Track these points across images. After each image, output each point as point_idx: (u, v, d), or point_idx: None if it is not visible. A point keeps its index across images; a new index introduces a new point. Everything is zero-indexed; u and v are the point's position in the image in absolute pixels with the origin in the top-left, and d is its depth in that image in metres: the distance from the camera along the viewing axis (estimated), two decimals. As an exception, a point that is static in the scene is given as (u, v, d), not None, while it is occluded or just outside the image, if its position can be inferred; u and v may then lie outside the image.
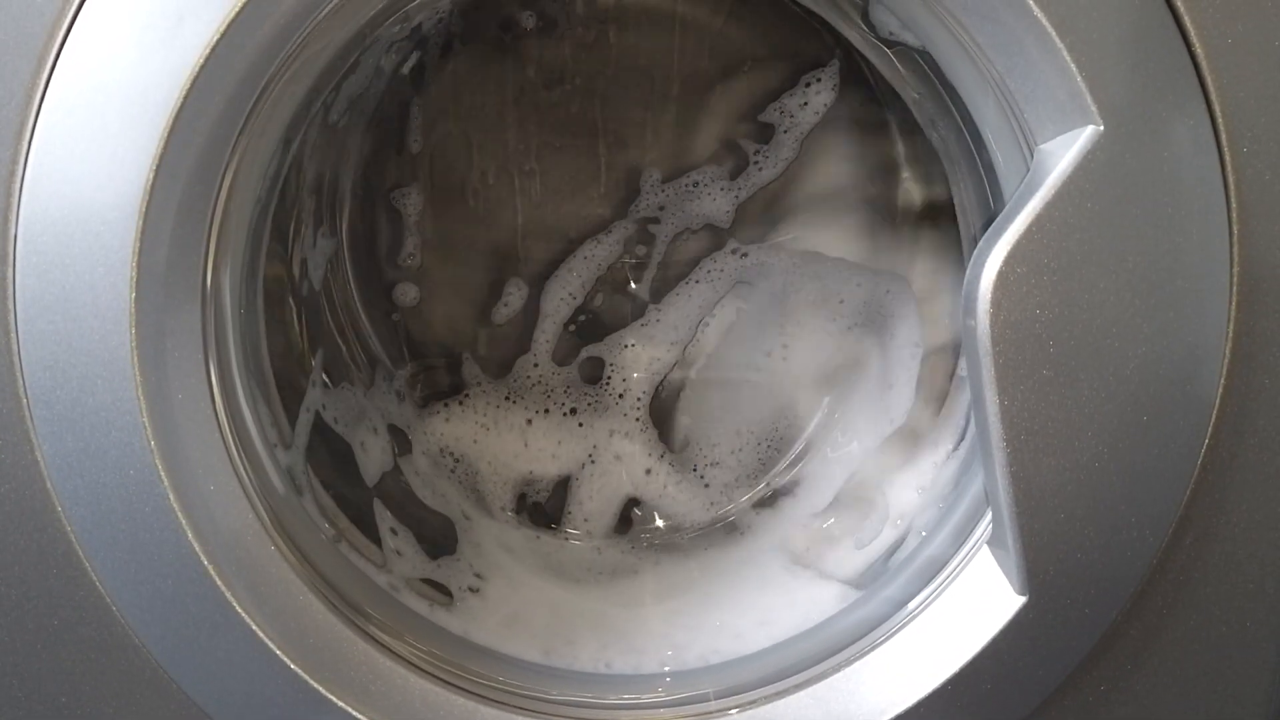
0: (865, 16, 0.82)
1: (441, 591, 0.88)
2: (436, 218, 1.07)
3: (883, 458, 0.96)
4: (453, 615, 0.86)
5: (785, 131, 1.04)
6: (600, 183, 1.08)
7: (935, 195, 0.99)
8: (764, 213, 1.07)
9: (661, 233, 1.07)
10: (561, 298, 1.08)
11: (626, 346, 1.08)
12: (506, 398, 1.07)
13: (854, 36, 0.86)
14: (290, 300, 0.94)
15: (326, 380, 0.95)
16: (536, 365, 1.08)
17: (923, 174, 1.01)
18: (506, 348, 1.09)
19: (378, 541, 0.89)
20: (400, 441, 1.01)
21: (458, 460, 1.04)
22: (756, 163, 1.05)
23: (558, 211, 1.08)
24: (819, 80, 1.02)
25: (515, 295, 1.09)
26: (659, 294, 1.08)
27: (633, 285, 1.09)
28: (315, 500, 0.84)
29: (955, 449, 0.89)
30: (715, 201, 1.06)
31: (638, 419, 1.06)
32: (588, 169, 1.07)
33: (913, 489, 0.91)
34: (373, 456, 0.96)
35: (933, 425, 0.93)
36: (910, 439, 0.95)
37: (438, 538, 0.96)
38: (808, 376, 1.07)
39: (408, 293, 1.07)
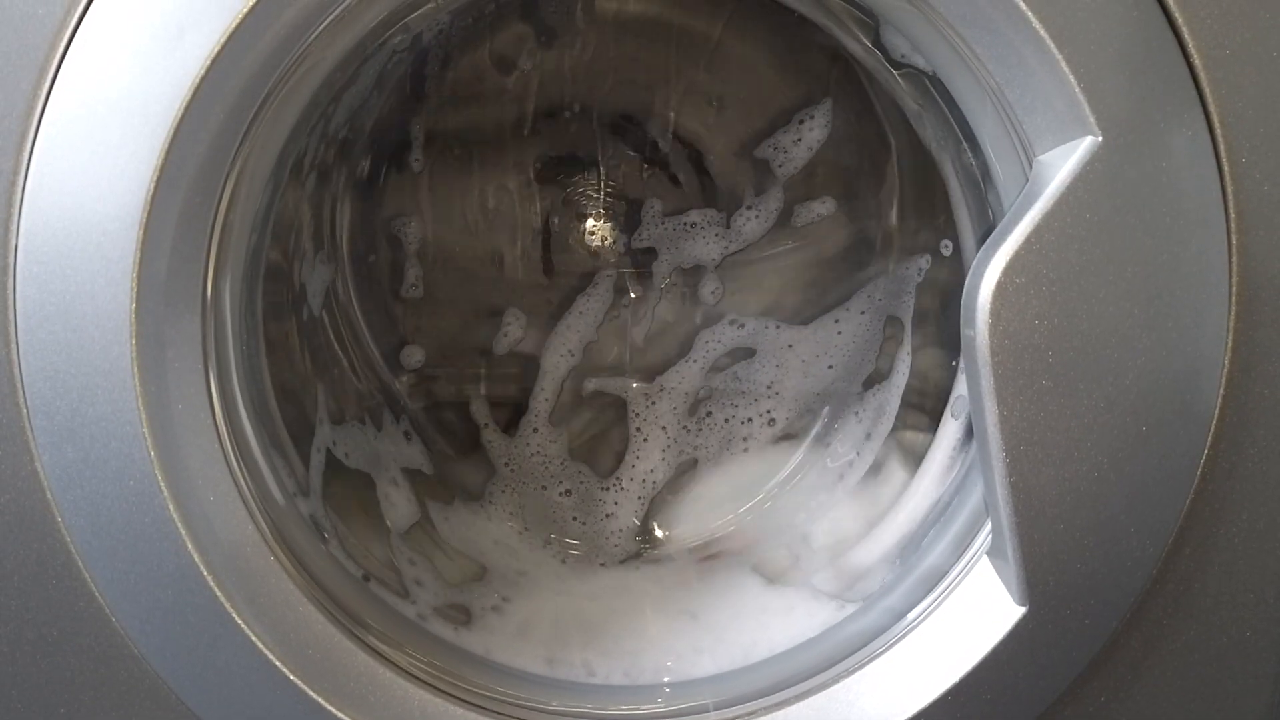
0: (877, 40, 0.82)
1: (461, 612, 0.88)
2: (437, 247, 1.08)
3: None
4: (474, 635, 0.86)
5: (780, 166, 1.05)
6: (600, 211, 1.08)
7: (932, 211, 0.99)
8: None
9: (659, 271, 1.08)
10: (561, 354, 1.09)
11: (626, 438, 1.09)
12: (506, 464, 1.07)
13: (856, 49, 0.87)
14: (293, 325, 0.94)
15: (333, 416, 0.95)
16: (537, 431, 1.08)
17: (921, 189, 1.01)
18: (511, 379, 1.10)
19: (396, 571, 0.89)
20: (421, 487, 1.01)
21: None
22: (747, 218, 1.06)
23: (558, 240, 1.09)
24: (812, 118, 1.03)
25: (514, 325, 1.09)
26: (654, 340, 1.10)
27: (632, 294, 1.10)
28: (341, 544, 0.84)
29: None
30: (708, 245, 1.08)
31: (617, 545, 1.06)
32: (589, 194, 1.08)
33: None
34: (399, 509, 0.96)
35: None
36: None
37: (461, 567, 0.96)
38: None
39: (413, 355, 1.08)
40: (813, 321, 1.07)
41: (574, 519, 1.06)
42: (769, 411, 1.08)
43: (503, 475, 1.07)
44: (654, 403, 1.09)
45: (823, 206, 1.06)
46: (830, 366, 1.06)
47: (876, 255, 1.04)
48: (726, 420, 1.08)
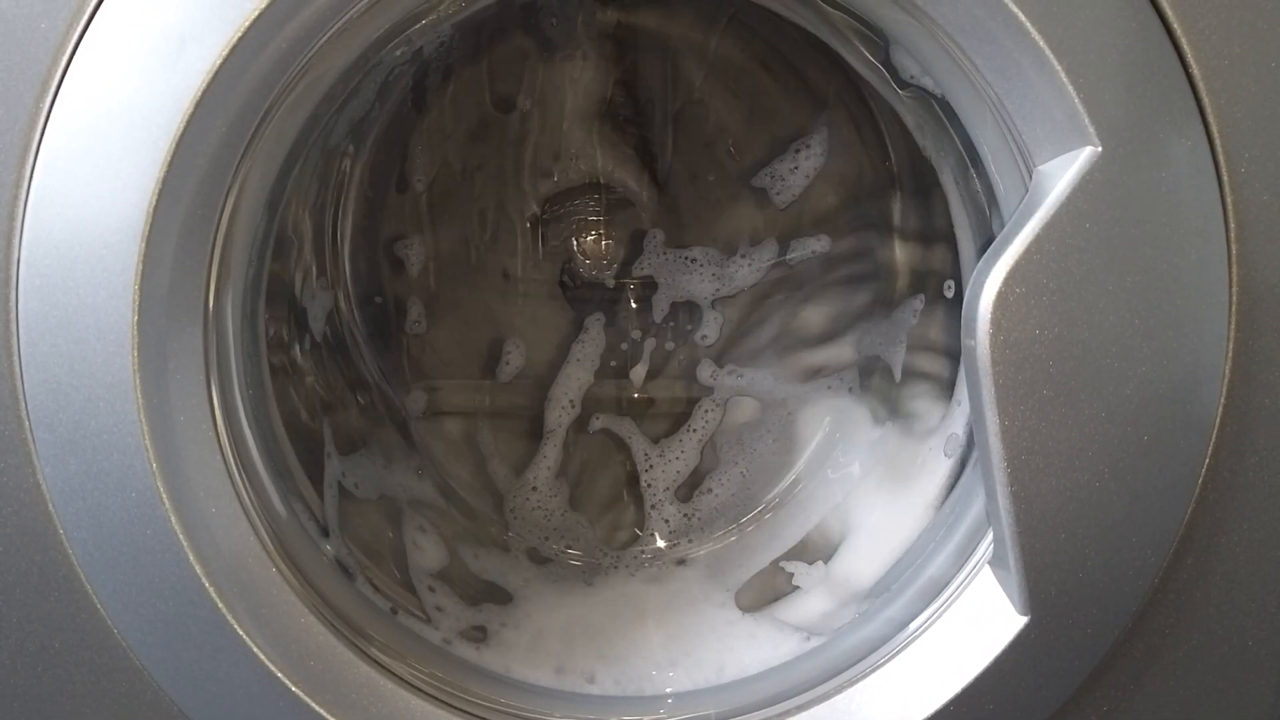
0: (886, 60, 0.82)
1: (480, 630, 0.89)
2: (439, 271, 1.08)
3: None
4: (493, 652, 0.86)
5: (777, 194, 1.05)
6: (602, 238, 1.09)
7: (933, 227, 0.99)
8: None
9: (658, 304, 1.08)
10: (562, 406, 1.09)
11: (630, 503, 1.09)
12: (511, 510, 1.07)
13: (861, 68, 0.87)
14: (296, 350, 0.94)
15: (341, 447, 0.95)
16: (535, 489, 1.08)
17: (922, 219, 1.01)
18: (516, 403, 1.10)
19: (418, 598, 0.89)
20: (449, 532, 1.01)
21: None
22: (739, 265, 1.07)
23: (559, 264, 1.09)
24: (808, 146, 1.04)
25: (515, 353, 1.09)
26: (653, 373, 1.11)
27: (631, 334, 1.10)
28: (368, 580, 0.84)
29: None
30: (704, 283, 1.08)
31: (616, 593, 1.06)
32: (590, 221, 1.08)
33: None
34: (429, 554, 0.95)
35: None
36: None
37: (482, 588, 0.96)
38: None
39: (419, 400, 1.08)
40: (808, 382, 1.07)
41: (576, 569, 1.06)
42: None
43: (513, 522, 1.07)
44: (652, 465, 1.09)
45: (818, 243, 1.06)
46: (824, 428, 1.06)
47: (875, 290, 1.04)
48: (726, 520, 1.08)
